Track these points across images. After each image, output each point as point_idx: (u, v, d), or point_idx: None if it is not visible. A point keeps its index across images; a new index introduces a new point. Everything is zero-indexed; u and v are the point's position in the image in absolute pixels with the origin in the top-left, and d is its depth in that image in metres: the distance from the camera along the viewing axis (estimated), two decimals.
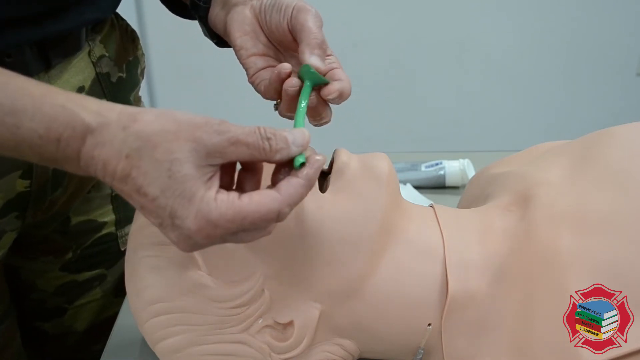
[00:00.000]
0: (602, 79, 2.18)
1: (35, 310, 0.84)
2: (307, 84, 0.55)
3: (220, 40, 0.66)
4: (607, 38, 2.11)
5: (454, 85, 2.17)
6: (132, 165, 0.43)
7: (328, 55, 0.58)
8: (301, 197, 0.46)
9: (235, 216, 0.44)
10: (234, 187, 0.49)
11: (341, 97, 0.56)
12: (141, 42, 0.82)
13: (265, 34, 0.60)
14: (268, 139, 0.45)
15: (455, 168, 0.98)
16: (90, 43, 0.71)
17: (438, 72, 2.15)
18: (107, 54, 0.73)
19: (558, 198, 0.55)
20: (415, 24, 2.08)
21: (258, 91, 0.60)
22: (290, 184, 0.45)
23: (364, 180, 0.56)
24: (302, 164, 0.46)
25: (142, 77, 0.83)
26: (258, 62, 0.59)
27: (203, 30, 0.68)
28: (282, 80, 0.56)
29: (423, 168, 1.00)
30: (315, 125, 0.59)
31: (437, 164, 0.99)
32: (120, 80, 0.76)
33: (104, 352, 0.69)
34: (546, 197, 0.56)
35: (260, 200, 0.44)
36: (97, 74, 0.72)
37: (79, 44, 0.69)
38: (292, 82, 0.55)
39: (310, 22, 0.56)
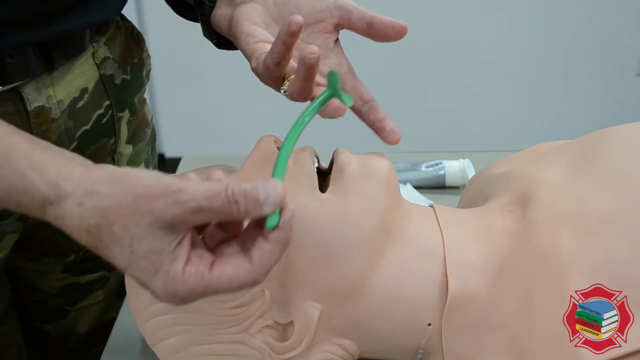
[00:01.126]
0: (602, 79, 2.18)
1: (37, 312, 0.84)
2: (325, 94, 0.48)
3: (220, 40, 0.66)
4: (607, 38, 2.11)
5: (454, 85, 2.18)
6: (95, 239, 0.42)
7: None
8: (275, 262, 0.42)
9: (205, 290, 0.41)
10: (215, 228, 0.45)
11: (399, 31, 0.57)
12: None
13: (274, 29, 0.58)
14: (236, 202, 0.40)
15: (455, 168, 0.98)
16: (94, 45, 0.71)
17: (438, 72, 2.15)
18: (111, 56, 0.73)
19: (558, 198, 0.55)
20: (415, 24, 2.07)
21: (261, 74, 0.56)
22: (263, 253, 0.42)
23: (364, 180, 0.56)
24: (275, 226, 0.42)
25: (148, 80, 0.82)
26: (265, 47, 0.56)
27: (203, 30, 0.67)
28: (292, 36, 0.50)
29: (423, 168, 1.00)
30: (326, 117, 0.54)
31: (437, 164, 0.99)
32: (124, 83, 0.75)
33: (104, 352, 0.69)
34: (546, 197, 0.56)
35: (232, 274, 0.41)
36: (100, 75, 0.72)
37: (83, 46, 0.69)
38: (312, 49, 0.48)
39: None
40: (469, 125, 2.22)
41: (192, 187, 0.40)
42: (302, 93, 0.52)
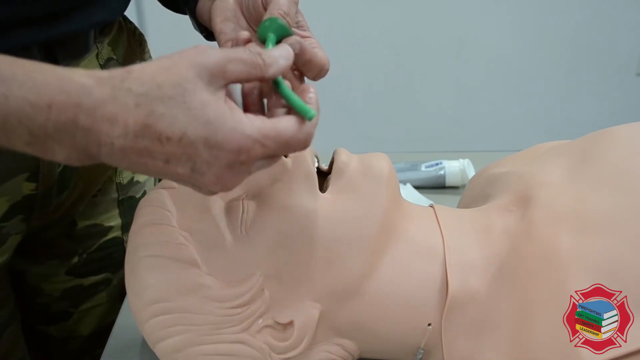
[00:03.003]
0: (602, 79, 2.18)
1: (40, 314, 0.84)
2: (271, 37, 0.51)
3: (209, 33, 0.66)
4: (607, 38, 2.11)
5: (454, 85, 2.18)
6: (145, 113, 0.39)
7: (306, 37, 0.55)
8: (317, 119, 0.46)
9: (272, 131, 0.42)
10: None
11: (304, 52, 0.51)
12: None
13: (246, 19, 0.59)
14: (259, 53, 0.43)
15: (455, 168, 0.98)
16: (98, 45, 0.71)
17: (438, 72, 2.15)
18: (115, 57, 0.73)
19: (558, 198, 0.55)
20: (415, 23, 2.08)
21: None
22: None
23: (364, 180, 0.56)
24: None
25: None
26: (242, 33, 0.56)
27: (193, 24, 0.68)
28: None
29: (423, 168, 1.00)
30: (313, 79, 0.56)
31: (437, 164, 0.99)
32: None
33: (104, 352, 0.69)
34: (546, 197, 0.56)
35: (292, 120, 0.44)
36: None
37: (87, 46, 0.69)
38: (242, 34, 0.52)
39: None
40: (469, 125, 2.22)
41: (221, 47, 0.43)
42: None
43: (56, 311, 0.83)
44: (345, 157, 0.58)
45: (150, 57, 0.82)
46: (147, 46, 0.81)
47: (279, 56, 0.45)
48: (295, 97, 0.46)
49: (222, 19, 0.59)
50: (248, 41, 0.53)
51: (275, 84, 0.47)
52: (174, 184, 0.59)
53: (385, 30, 2.06)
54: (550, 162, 0.61)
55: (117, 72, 0.40)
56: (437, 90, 2.18)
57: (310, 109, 0.45)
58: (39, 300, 0.82)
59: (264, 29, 0.51)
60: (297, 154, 0.58)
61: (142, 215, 0.58)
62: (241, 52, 0.43)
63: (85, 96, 0.39)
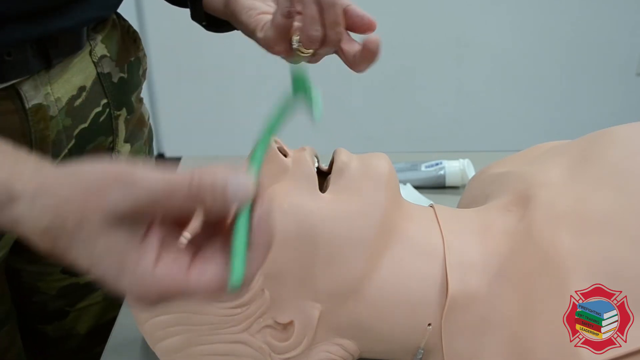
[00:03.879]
0: (602, 79, 2.18)
1: (37, 313, 0.84)
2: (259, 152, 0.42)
3: (210, 22, 0.67)
4: (607, 38, 2.12)
5: (453, 85, 2.18)
6: (52, 242, 0.38)
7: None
8: (258, 268, 0.38)
9: (178, 292, 0.37)
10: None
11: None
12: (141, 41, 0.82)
13: None
14: (200, 195, 0.36)
15: (455, 168, 0.98)
16: (91, 42, 0.71)
17: (438, 73, 2.15)
18: (108, 54, 0.73)
19: (558, 198, 0.55)
20: (415, 24, 2.08)
21: (271, 39, 0.59)
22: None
23: (364, 181, 0.56)
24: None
25: (144, 79, 0.83)
26: (267, 17, 0.59)
27: (192, 13, 0.68)
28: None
29: (423, 168, 1.00)
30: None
31: (437, 164, 0.99)
32: (121, 81, 0.76)
33: (104, 352, 0.69)
34: (546, 197, 0.56)
35: (210, 281, 0.37)
36: (98, 74, 0.72)
37: (80, 43, 0.69)
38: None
39: None
40: (469, 125, 2.22)
41: (151, 177, 0.36)
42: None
43: (53, 310, 0.83)
44: (345, 157, 0.58)
45: (144, 54, 0.81)
46: (141, 43, 0.81)
47: (231, 198, 0.36)
48: (238, 243, 0.37)
49: None
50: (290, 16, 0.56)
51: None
52: None
53: (385, 30, 2.05)
54: (550, 162, 0.61)
55: (29, 189, 0.38)
56: (437, 90, 2.18)
57: (238, 274, 0.36)
58: (35, 299, 0.82)
59: (296, 75, 0.45)
60: (297, 154, 0.58)
61: None
62: (173, 194, 0.36)
63: (3, 209, 0.38)
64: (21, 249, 0.76)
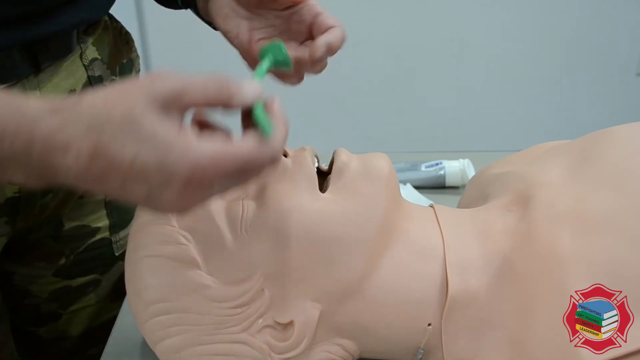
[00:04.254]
0: (602, 79, 2.18)
1: (30, 316, 0.83)
2: (269, 57, 0.53)
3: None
4: (607, 38, 2.11)
5: (454, 85, 2.18)
6: (96, 140, 0.39)
7: (302, 1, 0.58)
8: (285, 137, 0.44)
9: (228, 155, 0.40)
10: None
11: (331, 49, 0.55)
12: (141, 43, 0.81)
13: (243, 7, 0.60)
14: (224, 81, 0.42)
15: (455, 168, 0.98)
16: (81, 45, 0.70)
17: (438, 72, 2.15)
18: (99, 57, 0.72)
19: (558, 198, 0.55)
20: (415, 24, 2.08)
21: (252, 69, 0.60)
22: (277, 124, 0.44)
23: (364, 181, 0.56)
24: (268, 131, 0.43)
25: None
26: (244, 38, 0.60)
27: (198, 16, 0.68)
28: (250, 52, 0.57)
29: (423, 168, 1.00)
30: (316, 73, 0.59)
31: (437, 164, 0.99)
32: (113, 84, 0.75)
33: (104, 352, 0.69)
34: (546, 197, 0.56)
35: (251, 142, 0.41)
36: (89, 77, 0.71)
37: (70, 46, 0.67)
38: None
39: None
40: (469, 125, 2.22)
41: (178, 75, 0.41)
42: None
43: (45, 312, 0.83)
44: (345, 157, 0.58)
45: (137, 56, 0.81)
46: (134, 45, 0.80)
47: (248, 89, 0.43)
48: (260, 114, 0.44)
49: (222, 18, 0.60)
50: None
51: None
52: None
53: (385, 30, 2.06)
54: (550, 162, 0.61)
55: (69, 100, 0.40)
56: (437, 90, 2.18)
57: (269, 128, 0.43)
58: (27, 302, 0.82)
59: (265, 52, 0.54)
60: (297, 154, 0.58)
61: (143, 215, 0.58)
62: (203, 80, 0.41)
63: (37, 126, 0.39)
64: (12, 252, 0.75)
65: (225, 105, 0.43)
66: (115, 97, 0.40)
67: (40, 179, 0.41)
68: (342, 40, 0.56)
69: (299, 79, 0.60)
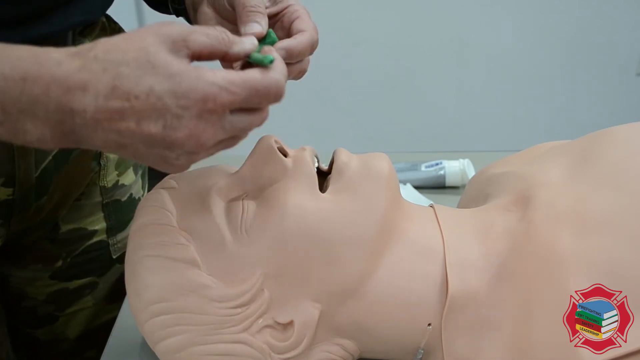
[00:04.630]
0: (602, 79, 2.18)
1: (26, 318, 0.83)
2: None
3: None
4: (607, 38, 2.11)
5: (454, 85, 2.18)
6: (113, 76, 0.41)
7: (286, 7, 0.57)
8: (285, 69, 0.47)
9: (239, 79, 0.43)
10: None
11: (291, 54, 0.54)
12: None
13: (227, 21, 0.60)
14: (224, 31, 0.46)
15: (455, 168, 0.98)
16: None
17: (438, 72, 2.15)
18: None
19: (558, 198, 0.55)
20: (415, 24, 2.08)
21: None
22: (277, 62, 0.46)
23: (364, 181, 0.56)
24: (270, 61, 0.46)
25: None
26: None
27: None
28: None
29: (423, 168, 1.00)
30: (293, 79, 0.58)
31: (437, 164, 0.99)
32: None
33: (104, 352, 0.69)
34: (546, 197, 0.56)
35: (257, 71, 0.45)
36: None
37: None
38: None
39: None
40: (469, 125, 2.22)
41: (185, 24, 0.46)
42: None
43: (42, 315, 0.82)
44: (345, 157, 0.58)
45: None
46: None
47: (246, 40, 0.47)
48: (257, 54, 0.47)
49: None
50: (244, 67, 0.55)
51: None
52: (174, 184, 0.59)
53: (385, 30, 2.06)
54: (550, 162, 0.61)
55: (85, 45, 0.43)
56: (437, 90, 2.18)
57: (270, 57, 0.46)
58: (24, 304, 0.82)
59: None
60: (297, 154, 0.58)
61: (142, 215, 0.58)
62: (206, 27, 0.45)
63: (57, 67, 0.41)
64: (8, 254, 0.75)
65: (226, 51, 0.46)
66: (128, 39, 0.42)
67: (55, 131, 0.42)
68: (307, 45, 0.55)
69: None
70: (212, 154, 0.46)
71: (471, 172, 0.97)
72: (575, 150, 0.60)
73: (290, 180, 0.56)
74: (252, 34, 0.52)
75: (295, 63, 0.55)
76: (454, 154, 1.02)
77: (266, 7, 0.56)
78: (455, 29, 2.09)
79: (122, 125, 0.42)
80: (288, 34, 0.56)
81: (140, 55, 0.41)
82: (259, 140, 0.58)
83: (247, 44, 0.47)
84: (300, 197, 0.54)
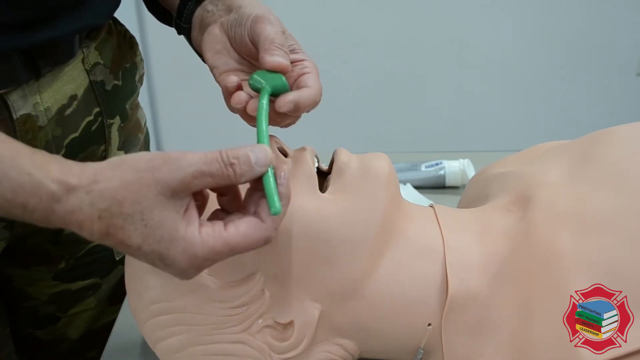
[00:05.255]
0: (602, 79, 2.18)
1: (28, 318, 0.83)
2: (264, 90, 0.52)
3: None
4: (607, 38, 2.11)
5: (454, 85, 2.18)
6: (107, 224, 0.43)
7: (300, 61, 0.56)
8: (283, 216, 0.47)
9: (223, 248, 0.44)
10: (217, 211, 0.50)
11: (297, 108, 0.53)
12: (141, 45, 0.81)
13: (236, 51, 0.59)
14: (231, 164, 0.44)
15: (455, 168, 0.98)
16: (84, 50, 0.69)
17: (438, 72, 2.15)
18: (102, 62, 0.71)
19: (558, 198, 0.55)
20: (415, 24, 2.08)
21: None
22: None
23: (364, 181, 0.56)
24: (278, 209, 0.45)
25: (141, 84, 0.81)
26: (228, 78, 0.57)
27: (190, 45, 0.67)
28: (231, 95, 0.55)
29: (423, 168, 1.00)
30: (282, 127, 0.58)
31: (437, 164, 0.99)
32: (115, 89, 0.74)
33: (104, 352, 0.69)
34: (546, 197, 0.56)
35: (246, 230, 0.45)
36: (90, 82, 0.70)
37: (72, 52, 0.67)
38: (239, 98, 0.54)
39: (267, 30, 0.55)
40: (469, 125, 2.22)
41: (189, 155, 0.44)
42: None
43: (44, 315, 0.82)
44: (345, 157, 0.58)
45: (141, 59, 0.80)
46: (138, 49, 0.80)
47: (255, 163, 0.45)
48: (269, 184, 0.46)
49: (213, 52, 0.59)
50: (238, 88, 0.55)
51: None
52: None
53: (385, 30, 2.06)
54: (550, 162, 0.61)
55: (84, 181, 0.43)
56: (437, 90, 2.18)
57: (278, 204, 0.45)
58: (26, 305, 0.81)
59: (256, 81, 0.53)
60: (297, 154, 0.58)
61: None
62: (211, 165, 0.44)
63: (56, 204, 0.42)
64: (11, 256, 0.75)
65: (232, 185, 0.47)
66: (126, 186, 0.43)
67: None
68: (311, 102, 0.54)
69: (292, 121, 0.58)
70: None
71: (471, 172, 0.97)
72: (575, 150, 0.60)
73: (290, 180, 0.56)
74: (278, 64, 0.53)
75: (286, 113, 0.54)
76: (454, 154, 1.02)
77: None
78: (455, 29, 2.09)
79: (118, 249, 0.45)
80: (294, 85, 0.56)
81: (134, 210, 0.43)
82: None
83: (256, 171, 0.45)
84: (300, 197, 0.54)
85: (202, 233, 0.44)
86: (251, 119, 0.55)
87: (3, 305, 0.78)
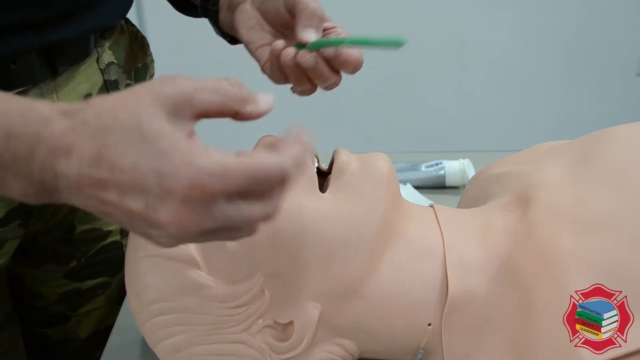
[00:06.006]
0: (602, 79, 2.18)
1: (39, 317, 0.83)
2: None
3: (233, 38, 0.67)
4: (607, 38, 2.11)
5: (454, 85, 2.18)
6: (100, 144, 0.37)
7: (332, 28, 0.59)
8: (303, 156, 0.41)
9: (235, 166, 0.37)
10: None
11: (348, 62, 0.57)
12: None
13: (269, 24, 0.61)
14: (238, 84, 0.41)
15: (455, 168, 0.98)
16: (98, 49, 0.70)
17: (438, 72, 2.15)
18: (115, 61, 0.72)
19: (558, 198, 0.55)
20: (415, 24, 2.08)
21: (271, 79, 0.61)
22: (289, 142, 0.40)
23: (364, 181, 0.56)
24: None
25: None
26: (267, 51, 0.60)
27: (215, 31, 0.68)
28: (279, 56, 0.57)
29: (423, 168, 1.00)
30: (325, 89, 0.60)
31: (437, 164, 0.99)
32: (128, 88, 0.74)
33: (104, 352, 0.69)
34: (546, 197, 0.56)
35: (263, 155, 0.39)
36: (105, 81, 0.71)
37: (87, 51, 0.68)
38: (287, 52, 0.56)
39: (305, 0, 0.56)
40: (469, 125, 2.22)
41: (189, 78, 0.40)
42: (302, 85, 0.58)
43: (54, 314, 0.83)
44: (345, 157, 0.58)
45: (152, 60, 0.81)
46: (149, 49, 0.80)
47: (261, 99, 0.42)
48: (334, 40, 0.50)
49: (247, 29, 0.61)
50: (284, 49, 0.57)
51: (313, 46, 0.54)
52: None
53: (385, 30, 2.05)
54: (550, 162, 0.61)
55: (78, 105, 0.39)
56: (437, 90, 2.18)
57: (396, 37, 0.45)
58: (36, 304, 0.82)
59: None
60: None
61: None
62: (216, 82, 0.41)
63: (44, 125, 0.38)
64: (23, 254, 0.76)
65: (238, 110, 0.42)
66: (123, 101, 0.39)
67: (38, 189, 0.40)
68: (358, 62, 0.58)
69: (312, 89, 0.60)
70: (202, 242, 0.42)
71: (471, 172, 0.97)
72: (575, 150, 0.60)
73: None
74: (306, 41, 0.55)
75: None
76: (454, 154, 1.02)
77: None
78: (455, 29, 2.09)
79: (104, 196, 0.38)
80: (340, 63, 0.58)
81: (131, 123, 0.38)
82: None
83: (261, 104, 0.42)
84: (300, 197, 0.54)
85: (209, 150, 0.38)
86: (302, 82, 0.58)
87: (14, 305, 0.79)
